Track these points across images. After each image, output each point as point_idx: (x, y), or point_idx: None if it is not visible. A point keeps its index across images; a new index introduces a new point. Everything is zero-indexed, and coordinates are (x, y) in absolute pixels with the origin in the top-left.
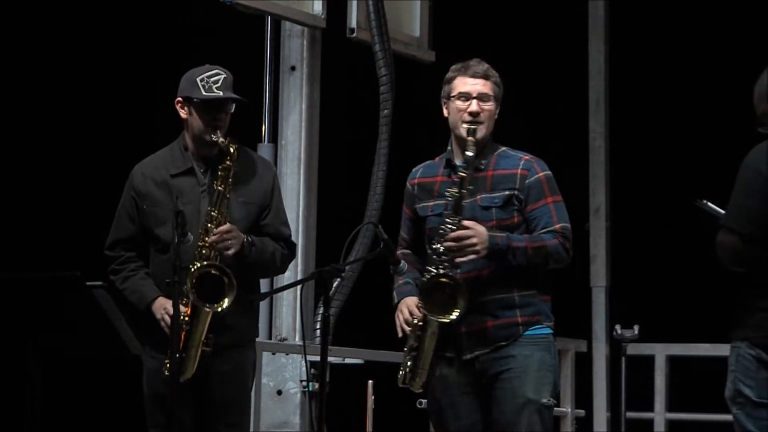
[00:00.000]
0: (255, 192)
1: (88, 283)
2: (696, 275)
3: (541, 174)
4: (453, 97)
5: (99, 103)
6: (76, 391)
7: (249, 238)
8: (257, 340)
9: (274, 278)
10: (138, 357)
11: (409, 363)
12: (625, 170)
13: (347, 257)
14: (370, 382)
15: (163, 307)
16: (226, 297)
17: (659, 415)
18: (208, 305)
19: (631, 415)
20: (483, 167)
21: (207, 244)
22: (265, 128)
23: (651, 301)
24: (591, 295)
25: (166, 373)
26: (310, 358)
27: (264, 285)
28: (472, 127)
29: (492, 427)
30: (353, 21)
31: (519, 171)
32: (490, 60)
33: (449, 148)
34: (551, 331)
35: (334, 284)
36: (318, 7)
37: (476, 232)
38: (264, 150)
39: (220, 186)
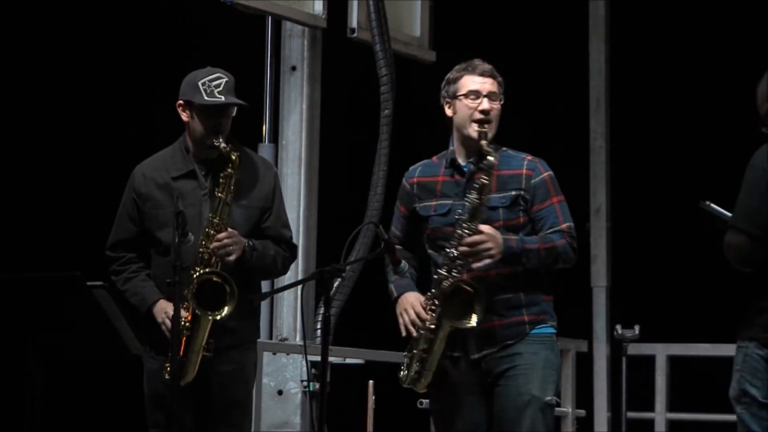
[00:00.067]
0: (256, 195)
1: (88, 283)
2: (696, 275)
3: (545, 174)
4: (461, 96)
5: (99, 103)
6: (76, 391)
7: (250, 243)
8: (258, 340)
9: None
10: (138, 357)
11: (416, 364)
12: (626, 170)
13: (348, 257)
14: (371, 382)
15: (164, 310)
16: (226, 305)
17: (660, 415)
18: (208, 313)
19: (631, 415)
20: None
21: (208, 251)
22: (265, 128)
23: (651, 301)
24: (592, 295)
25: (167, 377)
26: (310, 358)
27: (264, 285)
28: (484, 130)
29: (496, 424)
30: (354, 21)
31: (524, 171)
32: (491, 60)
33: (451, 148)
34: (555, 331)
35: (335, 284)
36: (318, 7)
37: (491, 237)
38: (264, 150)
39: (222, 193)
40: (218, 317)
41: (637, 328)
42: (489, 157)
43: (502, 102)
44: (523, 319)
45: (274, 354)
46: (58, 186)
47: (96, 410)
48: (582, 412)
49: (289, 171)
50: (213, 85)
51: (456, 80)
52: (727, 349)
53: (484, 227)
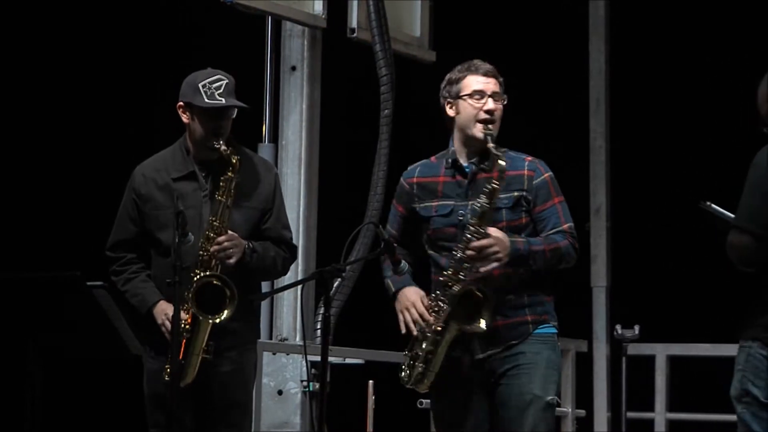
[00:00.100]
0: (256, 197)
1: (88, 283)
2: (697, 275)
3: (546, 175)
4: (465, 95)
5: (99, 103)
6: (76, 391)
7: (250, 245)
8: (258, 340)
9: None
10: (138, 357)
11: (420, 365)
12: (626, 170)
13: (348, 257)
14: (371, 382)
15: (164, 312)
16: (226, 309)
17: (660, 415)
18: (209, 316)
19: (631, 415)
20: (488, 168)
21: (208, 254)
22: (265, 128)
23: (651, 301)
24: (591, 295)
25: (167, 378)
26: (310, 358)
27: (264, 285)
28: (490, 131)
29: (497, 423)
30: (354, 21)
31: (526, 172)
32: (491, 60)
33: (452, 148)
34: (556, 331)
35: (335, 284)
36: (318, 7)
37: (499, 240)
38: (264, 150)
39: (222, 197)
40: (218, 320)
41: (637, 328)
42: (500, 161)
43: (505, 102)
44: (526, 319)
45: (274, 354)
46: (58, 186)
47: (96, 410)
48: (582, 412)
49: (289, 171)
50: (213, 87)
51: (459, 80)
52: (727, 349)
53: (492, 230)
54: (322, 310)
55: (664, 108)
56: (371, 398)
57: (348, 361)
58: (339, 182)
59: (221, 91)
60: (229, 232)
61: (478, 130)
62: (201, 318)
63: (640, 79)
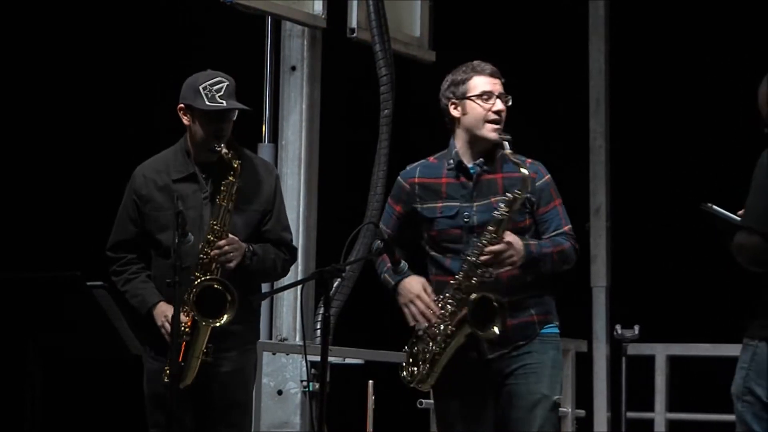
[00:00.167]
0: (257, 199)
1: (88, 283)
2: (697, 275)
3: (547, 177)
4: (473, 96)
5: (99, 103)
6: (76, 391)
7: (250, 248)
8: (258, 340)
9: None
10: (138, 357)
11: (424, 365)
12: (626, 170)
13: (348, 257)
14: (371, 382)
15: (163, 313)
16: (226, 312)
17: (659, 415)
18: (209, 320)
19: (631, 415)
20: (490, 170)
21: (209, 258)
22: (265, 128)
23: (651, 301)
24: (591, 295)
25: (166, 380)
26: (310, 358)
27: (264, 285)
28: (508, 138)
29: (504, 423)
30: (353, 21)
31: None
32: (491, 60)
33: (454, 149)
34: (558, 331)
35: (335, 284)
36: (318, 7)
37: (515, 245)
38: (264, 150)
39: (224, 201)
40: (218, 324)
41: (637, 328)
42: (523, 170)
43: (509, 103)
44: (533, 320)
45: (274, 354)
46: (59, 186)
47: (96, 410)
48: (582, 412)
49: (289, 171)
50: (214, 89)
51: (465, 81)
52: (727, 349)
53: (508, 235)
54: (322, 310)
55: (664, 108)
56: (371, 398)
57: (348, 361)
58: (339, 182)
59: (222, 93)
60: (230, 235)
61: (487, 131)
62: (200, 321)
63: (640, 79)
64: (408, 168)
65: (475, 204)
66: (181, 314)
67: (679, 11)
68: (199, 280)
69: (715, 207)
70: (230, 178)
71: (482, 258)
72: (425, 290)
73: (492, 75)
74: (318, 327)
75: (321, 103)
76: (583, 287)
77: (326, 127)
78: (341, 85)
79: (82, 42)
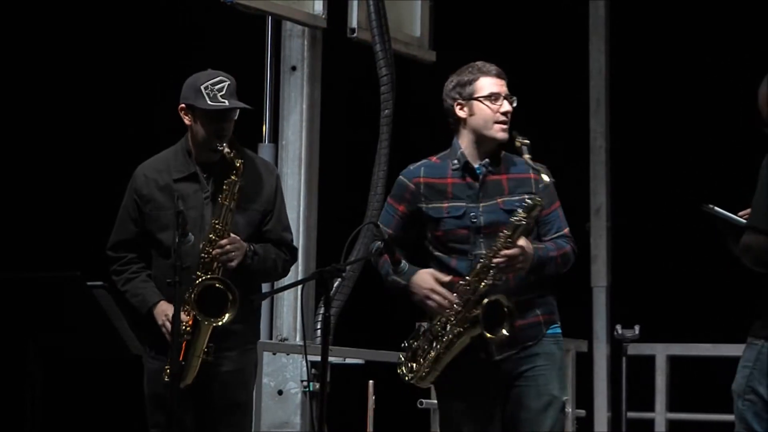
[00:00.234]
0: (258, 199)
1: (88, 283)
2: (697, 275)
3: (547, 179)
4: (481, 97)
5: (99, 103)
6: (76, 391)
7: (251, 248)
8: (258, 340)
9: None
10: (138, 357)
11: (426, 362)
12: (626, 170)
13: (348, 257)
14: (371, 382)
15: (164, 313)
16: (227, 312)
17: (660, 415)
18: (211, 319)
19: (631, 415)
20: (495, 170)
21: (210, 257)
22: (265, 128)
23: (651, 301)
24: (592, 295)
25: (167, 379)
26: (310, 358)
27: (265, 285)
28: (527, 143)
29: (513, 424)
30: (354, 21)
31: (531, 175)
32: (491, 60)
33: (459, 150)
34: (561, 331)
35: (335, 284)
36: (318, 7)
37: (526, 250)
38: (264, 150)
39: (226, 201)
40: (219, 324)
41: (637, 328)
42: (544, 176)
43: (515, 104)
44: (539, 320)
45: (274, 354)
46: (59, 186)
47: (96, 410)
48: (582, 412)
49: (289, 171)
50: (216, 89)
51: (472, 82)
52: (727, 349)
53: (521, 240)
54: (322, 310)
55: (665, 108)
56: (371, 398)
57: (348, 361)
58: (339, 182)
59: (223, 92)
60: (231, 235)
61: (496, 132)
62: (202, 320)
63: (640, 79)
64: (411, 167)
65: (481, 204)
66: (182, 313)
67: (679, 11)
68: (200, 279)
69: (716, 208)
70: (233, 177)
71: (495, 260)
72: (436, 280)
73: (498, 76)
74: (318, 327)
75: (321, 103)
76: (583, 287)
77: (326, 127)
78: (341, 85)
79: (82, 42)
